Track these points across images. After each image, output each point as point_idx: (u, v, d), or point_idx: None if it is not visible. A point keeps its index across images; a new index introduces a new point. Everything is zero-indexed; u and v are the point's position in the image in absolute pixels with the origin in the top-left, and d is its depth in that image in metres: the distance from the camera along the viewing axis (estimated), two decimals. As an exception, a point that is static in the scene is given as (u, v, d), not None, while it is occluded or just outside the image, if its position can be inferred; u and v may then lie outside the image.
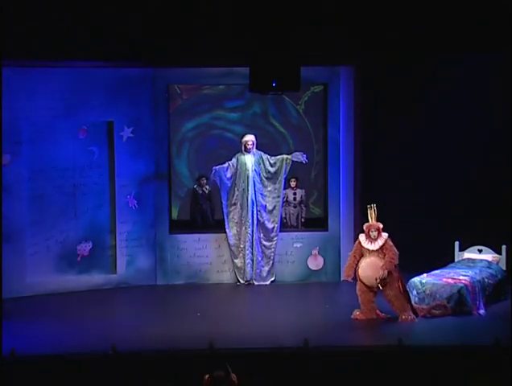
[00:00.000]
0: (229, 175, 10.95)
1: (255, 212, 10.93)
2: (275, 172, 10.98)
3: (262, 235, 10.94)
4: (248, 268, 10.89)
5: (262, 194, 10.98)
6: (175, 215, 11.41)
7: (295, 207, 11.33)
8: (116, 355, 6.82)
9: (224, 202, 11.01)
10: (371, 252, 8.69)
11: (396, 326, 8.54)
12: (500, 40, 8.72)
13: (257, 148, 11.01)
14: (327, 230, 11.17)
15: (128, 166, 10.75)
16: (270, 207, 11.00)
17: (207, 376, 5.09)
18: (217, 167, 10.90)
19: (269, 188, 10.99)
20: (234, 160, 10.98)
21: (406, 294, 8.67)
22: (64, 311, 9.41)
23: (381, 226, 8.78)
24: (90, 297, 10.21)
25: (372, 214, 8.78)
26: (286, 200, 11.26)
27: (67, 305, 9.72)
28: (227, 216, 10.99)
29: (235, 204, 10.98)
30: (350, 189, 11.24)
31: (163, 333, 8.29)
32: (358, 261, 8.76)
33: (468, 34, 8.96)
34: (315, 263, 11.11)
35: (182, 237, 11.02)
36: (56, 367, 6.86)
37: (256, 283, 10.89)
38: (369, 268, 8.64)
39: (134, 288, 10.68)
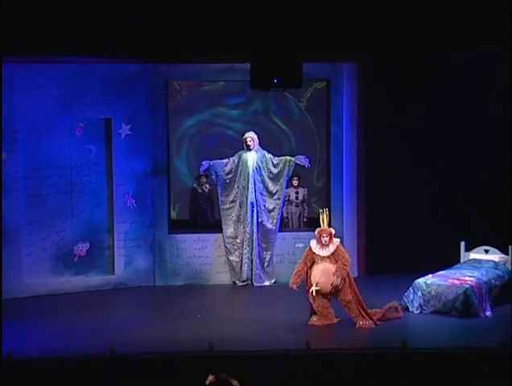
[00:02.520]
0: (227, 170, 10.91)
1: (255, 212, 10.94)
2: (277, 173, 10.96)
3: (259, 235, 10.96)
4: (245, 268, 10.88)
5: (262, 193, 10.98)
6: (174, 214, 11.45)
7: (297, 206, 11.33)
8: (114, 357, 6.81)
9: (221, 198, 10.97)
10: (323, 259, 8.66)
11: (400, 328, 8.54)
12: (501, 35, 8.73)
13: (261, 145, 10.99)
14: (329, 229, 11.18)
15: (126, 164, 10.73)
16: (269, 208, 11.00)
17: (212, 377, 5.10)
18: (212, 162, 10.87)
19: (270, 188, 10.98)
20: (236, 156, 10.95)
21: (360, 300, 8.63)
22: (61, 313, 9.41)
23: (333, 231, 8.74)
24: (87, 298, 10.20)
25: (324, 219, 8.74)
26: (288, 199, 11.27)
27: (63, 307, 9.71)
28: (224, 213, 10.96)
29: (234, 202, 10.96)
30: (353, 188, 11.24)
31: (162, 335, 8.29)
32: (309, 268, 8.70)
33: (474, 29, 8.98)
34: (318, 263, 11.10)
35: (181, 237, 11.01)
36: (54, 369, 6.88)
37: (256, 284, 10.90)
38: (322, 275, 8.61)
39: (132, 289, 10.67)
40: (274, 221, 11.00)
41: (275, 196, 10.99)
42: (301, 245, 10.84)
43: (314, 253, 8.69)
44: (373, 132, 11.18)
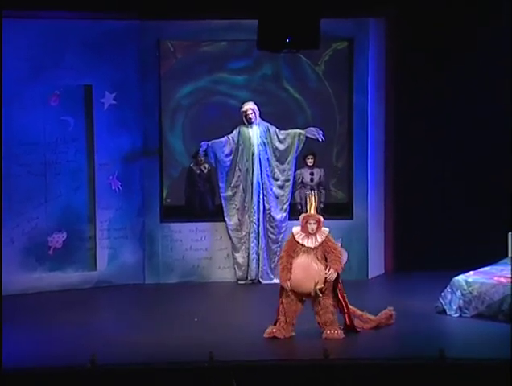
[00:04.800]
0: (227, 152, 10.92)
1: (261, 197, 10.91)
2: (285, 150, 10.98)
3: (267, 225, 10.93)
4: (253, 265, 10.91)
5: (268, 175, 10.97)
6: (167, 199, 11.41)
7: (312, 189, 11.29)
8: (96, 368, 6.80)
9: (221, 184, 11.02)
10: (307, 251, 8.39)
11: (437, 335, 8.52)
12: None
13: (263, 118, 10.95)
14: (351, 218, 11.19)
15: (110, 140, 10.74)
16: (278, 192, 11.00)
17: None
18: (210, 142, 10.84)
19: (276, 169, 10.98)
20: (235, 133, 10.95)
21: (346, 302, 8.49)
22: (33, 316, 9.42)
23: (321, 219, 8.50)
24: (64, 298, 10.21)
25: (312, 202, 8.53)
26: (302, 182, 11.28)
27: (36, 309, 9.72)
28: (226, 202, 10.99)
29: (236, 187, 11.00)
30: (380, 168, 11.27)
31: (153, 342, 8.28)
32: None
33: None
34: (338, 258, 11.11)
35: (176, 226, 11.05)
36: (22, 383, 6.85)
37: (263, 282, 10.89)
38: (302, 272, 8.34)
39: (117, 288, 10.71)
40: (284, 207, 10.97)
41: (283, 178, 11.01)
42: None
43: (297, 243, 8.46)
44: (403, 102, 11.18)
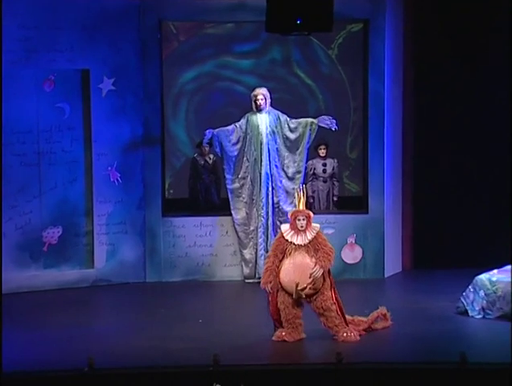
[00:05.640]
0: (234, 140, 10.93)
1: (270, 190, 10.91)
2: (296, 139, 10.99)
3: (276, 220, 10.96)
4: (261, 262, 10.91)
5: (277, 166, 10.99)
6: (169, 192, 11.42)
7: (324, 181, 11.32)
8: (93, 373, 6.80)
9: (228, 176, 11.04)
10: (297, 249, 8.37)
11: (458, 337, 8.51)
12: None
13: (273, 106, 10.96)
14: (367, 212, 11.18)
15: (108, 128, 10.75)
16: (288, 184, 11.00)
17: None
18: (216, 130, 10.83)
19: (287, 159, 11.00)
20: (243, 121, 10.97)
21: (341, 305, 8.46)
22: (26, 316, 9.43)
23: (311, 214, 8.48)
24: (60, 298, 10.23)
25: (300, 198, 8.51)
26: (314, 173, 11.29)
27: (29, 309, 9.74)
28: (233, 194, 11.00)
29: (244, 178, 11.03)
30: (397, 158, 11.27)
31: (154, 345, 8.27)
32: (280, 261, 8.42)
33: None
34: (352, 255, 11.14)
35: (179, 221, 11.07)
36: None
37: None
38: (295, 271, 8.30)
39: (116, 286, 10.74)
40: (294, 201, 10.95)
41: (295, 169, 11.02)
42: (330, 232, 10.87)
43: (286, 241, 8.43)
44: (423, 87, 11.16)
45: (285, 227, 8.51)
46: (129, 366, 7.45)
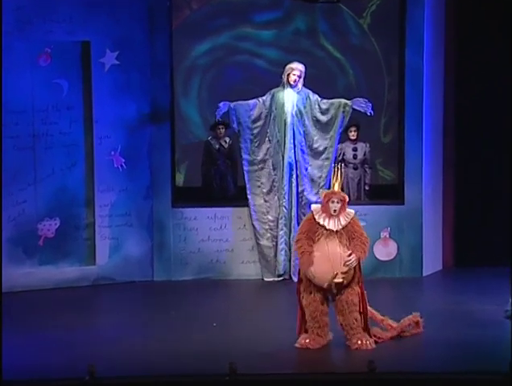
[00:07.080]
0: (254, 116, 10.98)
1: (294, 177, 10.92)
2: (327, 122, 11.02)
3: (300, 211, 10.99)
4: (281, 257, 10.99)
5: (303, 151, 11.01)
6: (180, 179, 11.49)
7: (355, 168, 11.34)
8: (94, 382, 6.79)
9: (245, 156, 11.08)
10: (328, 236, 8.32)
11: (506, 345, 8.44)
12: None
13: (304, 85, 10.98)
14: (403, 203, 11.20)
15: (112, 107, 10.79)
16: (314, 172, 11.03)
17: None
18: (233, 104, 10.86)
19: (315, 144, 11.01)
20: (268, 97, 10.97)
21: (365, 305, 8.38)
22: (21, 318, 9.44)
23: (347, 198, 8.43)
24: (58, 297, 10.29)
25: (337, 177, 8.46)
26: (343, 159, 11.31)
27: (24, 310, 9.78)
28: (250, 178, 11.03)
29: (264, 162, 11.06)
30: (438, 142, 11.27)
31: (163, 351, 8.30)
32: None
33: None
34: (386, 250, 11.17)
35: (190, 212, 11.12)
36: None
37: (295, 279, 10.87)
38: (325, 260, 8.27)
39: (120, 285, 10.79)
40: (322, 191, 10.96)
41: (323, 156, 11.08)
42: (362, 225, 10.74)
43: (318, 224, 8.40)
44: (466, 61, 11.16)
45: (316, 209, 8.45)
46: (134, 374, 7.44)
